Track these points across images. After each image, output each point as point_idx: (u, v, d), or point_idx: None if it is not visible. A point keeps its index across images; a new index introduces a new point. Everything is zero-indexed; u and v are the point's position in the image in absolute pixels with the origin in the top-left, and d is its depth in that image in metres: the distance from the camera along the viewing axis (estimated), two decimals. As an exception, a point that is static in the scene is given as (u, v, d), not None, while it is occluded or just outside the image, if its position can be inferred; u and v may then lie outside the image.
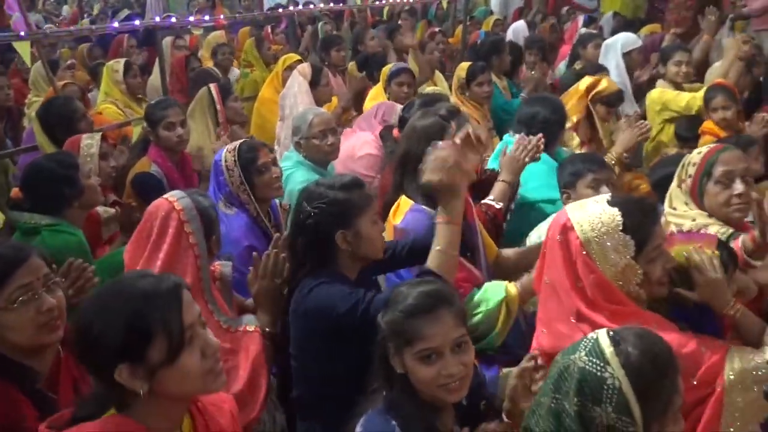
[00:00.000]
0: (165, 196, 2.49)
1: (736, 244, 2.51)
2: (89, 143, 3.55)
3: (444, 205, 2.24)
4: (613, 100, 4.55)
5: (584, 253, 1.98)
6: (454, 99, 5.07)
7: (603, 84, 4.53)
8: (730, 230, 2.60)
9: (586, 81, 4.56)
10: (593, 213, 2.01)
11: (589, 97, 4.48)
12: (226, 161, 3.03)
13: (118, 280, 1.67)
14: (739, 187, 2.61)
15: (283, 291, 2.50)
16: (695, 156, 2.77)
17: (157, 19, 6.98)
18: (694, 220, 2.67)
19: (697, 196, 2.73)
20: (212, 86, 4.72)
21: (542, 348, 2.10)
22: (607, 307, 1.95)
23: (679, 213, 2.74)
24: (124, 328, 1.50)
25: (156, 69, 6.24)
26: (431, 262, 2.22)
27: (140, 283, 1.57)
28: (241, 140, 3.20)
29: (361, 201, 2.32)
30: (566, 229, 2.03)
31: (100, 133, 3.74)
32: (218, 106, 4.60)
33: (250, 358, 2.40)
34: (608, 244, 1.97)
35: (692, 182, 2.73)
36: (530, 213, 3.25)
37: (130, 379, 1.50)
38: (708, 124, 4.61)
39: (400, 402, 1.78)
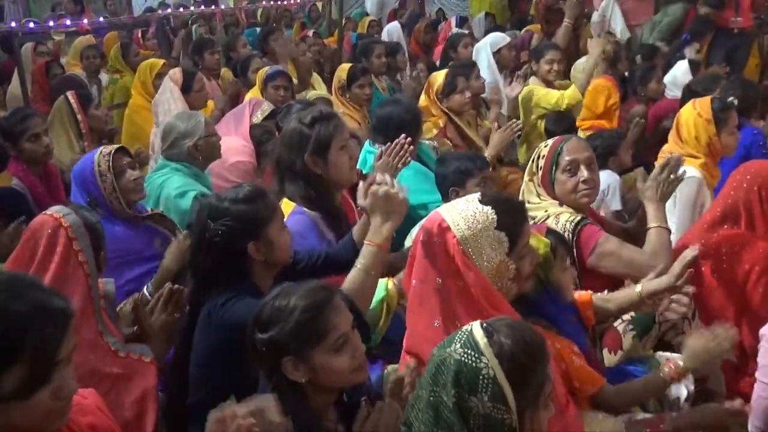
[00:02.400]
0: (49, 212, 2.38)
1: (589, 230, 2.71)
2: (-60, 159, 3.35)
3: (375, 229, 2.26)
4: (449, 84, 4.70)
5: (461, 250, 2.03)
6: (334, 100, 5.11)
7: (434, 81, 4.76)
8: (579, 216, 2.78)
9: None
10: (467, 212, 2.06)
11: (437, 99, 4.66)
12: (99, 166, 2.94)
13: (11, 277, 1.42)
14: (584, 173, 2.81)
15: (177, 324, 2.49)
16: (543, 149, 2.95)
17: (13, 24, 6.56)
18: (546, 210, 2.82)
19: (548, 186, 2.91)
20: (70, 95, 4.48)
21: (410, 348, 2.15)
22: (485, 310, 1.99)
23: (532, 206, 2.87)
24: None
25: (15, 77, 5.94)
26: (351, 280, 2.23)
27: (29, 293, 1.35)
28: (110, 146, 3.10)
29: (267, 210, 2.31)
30: (443, 229, 2.06)
31: (-48, 149, 3.53)
32: (79, 116, 4.39)
33: (143, 388, 2.34)
34: (484, 241, 2.02)
35: (542, 174, 2.91)
36: (406, 219, 3.31)
37: None
38: (588, 118, 4.89)
39: (292, 411, 1.77)
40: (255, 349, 1.80)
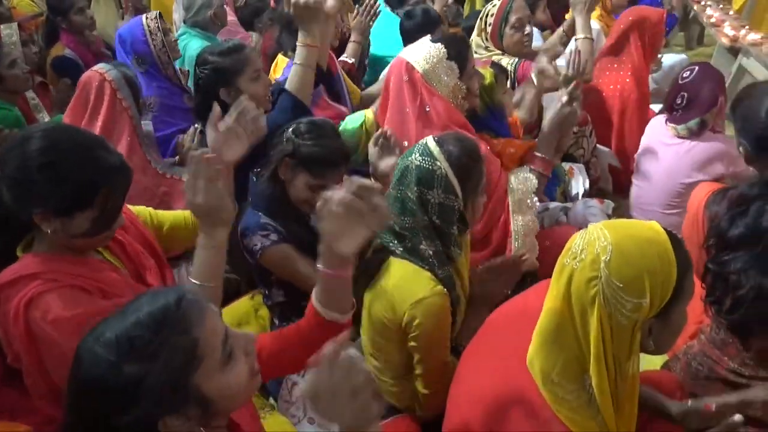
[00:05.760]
0: (94, 69, 2.26)
1: (525, 64, 2.67)
2: (9, 33, 3.12)
3: (307, 31, 2.10)
4: None
5: (425, 82, 2.00)
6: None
7: None
8: (515, 60, 2.75)
9: None
10: (423, 50, 2.03)
11: None
12: (149, 26, 2.73)
13: (83, 139, 1.28)
14: (527, 29, 2.71)
15: None
16: (492, 8, 2.84)
17: None
18: (491, 58, 2.75)
19: (497, 39, 2.82)
20: None
21: None
22: (447, 127, 1.96)
23: (482, 56, 2.82)
24: (70, 183, 1.20)
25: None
26: (293, 76, 2.12)
27: (100, 153, 1.25)
28: (152, 12, 2.89)
29: (237, 63, 2.17)
30: (408, 69, 2.03)
31: (16, 23, 3.27)
32: None
33: (184, 203, 2.30)
34: (440, 71, 2.01)
35: (492, 29, 2.80)
36: (380, 67, 3.20)
37: (45, 223, 1.23)
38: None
39: (277, 201, 1.78)
40: (275, 141, 1.78)
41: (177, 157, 2.52)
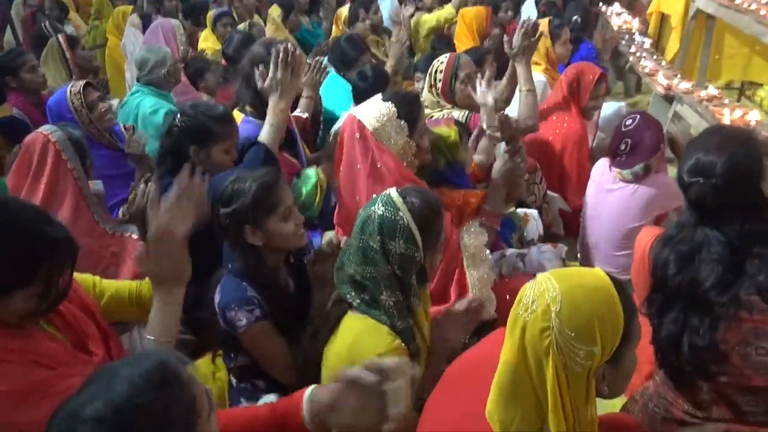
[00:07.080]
0: (39, 130, 2.20)
1: (475, 117, 2.71)
2: (-48, 94, 3.04)
3: (273, 106, 2.21)
4: (352, 16, 4.57)
5: (375, 140, 2.01)
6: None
7: (341, 14, 4.67)
8: (466, 112, 2.79)
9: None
10: (374, 109, 2.04)
11: (344, 28, 4.53)
12: (73, 103, 2.69)
13: (29, 212, 1.24)
14: (476, 84, 2.77)
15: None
16: (440, 65, 2.89)
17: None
18: (441, 110, 2.82)
19: (447, 93, 2.87)
20: (60, 37, 4.14)
21: (339, 220, 2.18)
22: (398, 184, 1.95)
23: (435, 111, 2.87)
24: (5, 261, 1.15)
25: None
26: (265, 136, 2.20)
27: (47, 227, 1.22)
28: (77, 84, 2.81)
29: (221, 132, 2.15)
30: (360, 127, 2.04)
31: (-39, 84, 3.20)
32: (68, 54, 4.08)
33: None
34: (390, 129, 2.02)
35: (443, 85, 2.86)
36: (329, 123, 3.26)
37: None
38: (460, 40, 4.76)
39: (254, 269, 1.72)
40: (219, 222, 1.74)
41: (126, 216, 2.46)
